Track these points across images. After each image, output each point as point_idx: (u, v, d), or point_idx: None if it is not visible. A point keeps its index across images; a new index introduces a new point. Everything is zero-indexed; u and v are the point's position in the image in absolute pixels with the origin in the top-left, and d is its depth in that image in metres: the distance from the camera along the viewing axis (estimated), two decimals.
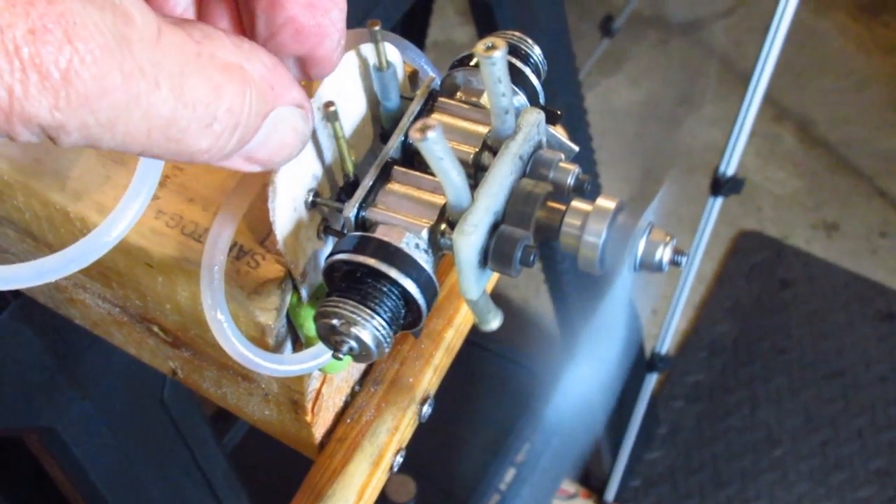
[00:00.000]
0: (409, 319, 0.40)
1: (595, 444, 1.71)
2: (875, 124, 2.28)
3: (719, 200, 1.48)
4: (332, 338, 0.39)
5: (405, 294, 0.38)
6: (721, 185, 1.46)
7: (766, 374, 1.92)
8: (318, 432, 0.53)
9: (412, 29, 1.52)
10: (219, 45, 0.30)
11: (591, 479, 1.80)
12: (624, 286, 0.42)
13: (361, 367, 0.55)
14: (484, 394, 1.62)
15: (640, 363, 1.62)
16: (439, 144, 0.35)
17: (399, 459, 0.54)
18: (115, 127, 0.27)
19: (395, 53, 0.43)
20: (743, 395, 1.89)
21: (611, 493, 1.76)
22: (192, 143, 0.30)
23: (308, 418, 0.51)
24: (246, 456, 1.41)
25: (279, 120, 0.33)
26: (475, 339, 1.48)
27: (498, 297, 0.43)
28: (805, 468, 1.80)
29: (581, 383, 0.53)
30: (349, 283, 0.39)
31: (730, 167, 1.45)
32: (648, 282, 0.42)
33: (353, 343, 0.38)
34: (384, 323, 0.38)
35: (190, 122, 0.29)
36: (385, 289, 0.38)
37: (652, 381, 1.62)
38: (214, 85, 0.30)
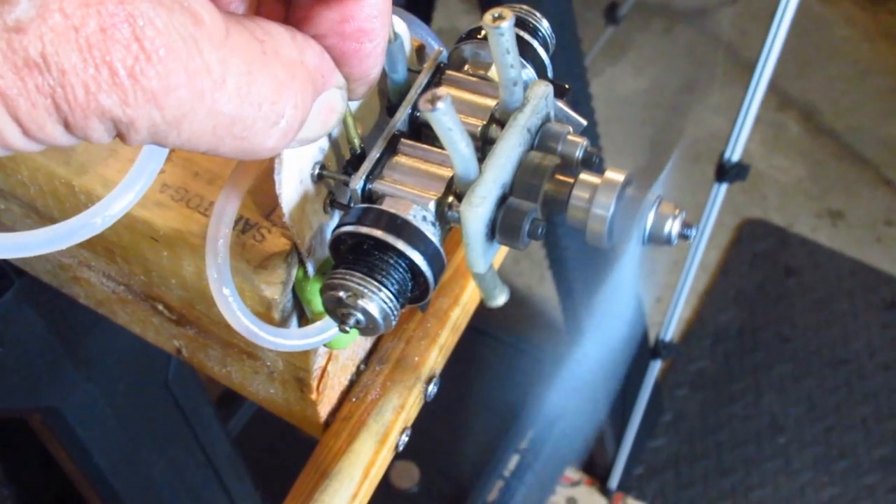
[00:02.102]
0: (416, 293, 0.39)
1: (599, 432, 1.71)
2: (880, 112, 2.27)
3: (724, 186, 1.47)
4: (338, 310, 0.39)
5: (412, 266, 0.38)
6: (726, 171, 1.45)
7: (770, 363, 1.91)
8: (324, 411, 0.52)
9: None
10: (280, 41, 0.31)
11: (595, 467, 1.80)
12: (632, 261, 0.42)
13: (367, 345, 0.54)
14: (488, 381, 1.62)
15: (644, 351, 1.61)
16: (449, 115, 0.35)
17: (404, 438, 0.53)
18: (180, 124, 0.28)
19: (401, 25, 0.43)
20: (747, 383, 1.89)
21: (614, 480, 1.76)
22: (258, 141, 0.31)
23: (313, 396, 0.51)
24: (250, 440, 1.41)
25: (323, 102, 0.34)
26: (479, 326, 1.48)
27: None
28: (809, 456, 1.80)
29: (585, 365, 0.53)
30: (356, 255, 0.38)
31: (735, 153, 1.44)
32: (652, 270, 0.42)
33: (359, 316, 0.38)
34: (391, 295, 0.38)
35: (255, 120, 0.30)
36: (392, 261, 0.38)
37: (656, 368, 1.62)
38: (279, 83, 0.30)
